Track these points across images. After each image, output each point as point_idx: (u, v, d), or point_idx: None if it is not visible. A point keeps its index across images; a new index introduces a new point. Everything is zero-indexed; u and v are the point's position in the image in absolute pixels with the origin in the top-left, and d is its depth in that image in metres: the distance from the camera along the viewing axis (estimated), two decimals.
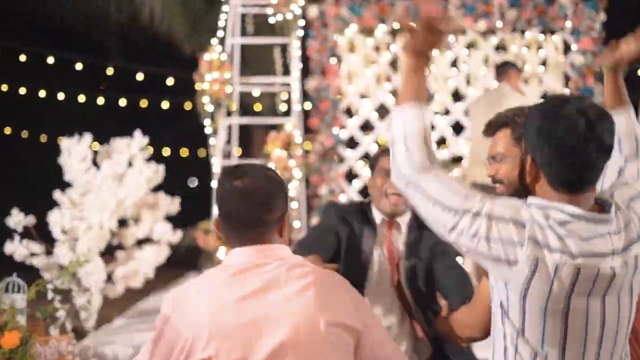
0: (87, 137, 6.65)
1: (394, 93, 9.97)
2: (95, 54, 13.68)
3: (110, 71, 13.59)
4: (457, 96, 10.10)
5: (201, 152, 15.45)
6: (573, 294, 2.25)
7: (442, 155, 9.95)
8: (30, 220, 6.48)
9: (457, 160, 10.09)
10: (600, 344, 2.32)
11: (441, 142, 10.51)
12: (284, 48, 8.61)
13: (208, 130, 8.48)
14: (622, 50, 2.79)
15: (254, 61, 10.01)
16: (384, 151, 3.46)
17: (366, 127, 10.03)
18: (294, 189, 8.19)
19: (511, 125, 2.90)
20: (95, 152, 6.72)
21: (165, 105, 13.51)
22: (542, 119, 2.33)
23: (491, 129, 2.98)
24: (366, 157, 9.95)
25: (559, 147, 2.27)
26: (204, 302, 2.40)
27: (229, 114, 8.55)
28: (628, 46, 2.79)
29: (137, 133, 6.80)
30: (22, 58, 13.35)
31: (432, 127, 9.89)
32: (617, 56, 2.80)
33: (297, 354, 2.35)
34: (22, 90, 14.06)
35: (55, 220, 6.50)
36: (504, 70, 8.30)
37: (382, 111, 10.00)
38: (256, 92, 9.69)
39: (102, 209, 6.44)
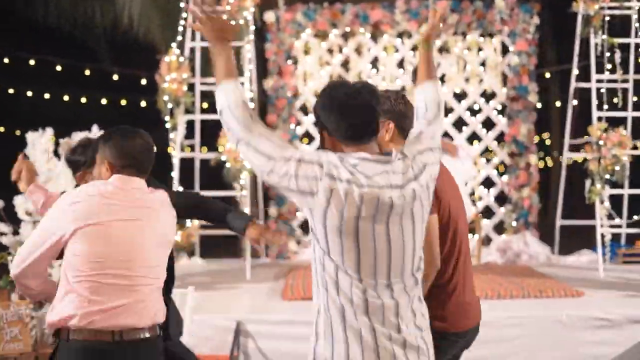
0: (49, 131, 7.49)
1: None
2: (76, 56, 14.59)
3: (88, 72, 14.51)
4: None
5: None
6: (360, 218, 2.93)
7: None
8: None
9: None
10: (390, 262, 3.01)
11: None
12: (238, 51, 9.39)
13: (167, 125, 9.32)
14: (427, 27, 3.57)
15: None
16: None
17: None
18: (244, 179, 8.97)
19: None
20: (57, 144, 7.54)
21: (143, 103, 14.36)
22: (323, 102, 3.08)
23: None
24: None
25: (342, 114, 3.02)
26: None
27: (187, 111, 9.37)
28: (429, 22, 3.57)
29: (94, 127, 7.63)
30: (6, 60, 14.30)
31: None
32: (424, 33, 3.58)
33: None
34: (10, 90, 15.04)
35: (20, 204, 7.34)
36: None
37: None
38: None
39: None
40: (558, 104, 13.36)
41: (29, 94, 15.13)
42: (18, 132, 15.18)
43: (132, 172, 3.57)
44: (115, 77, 14.31)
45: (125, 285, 3.45)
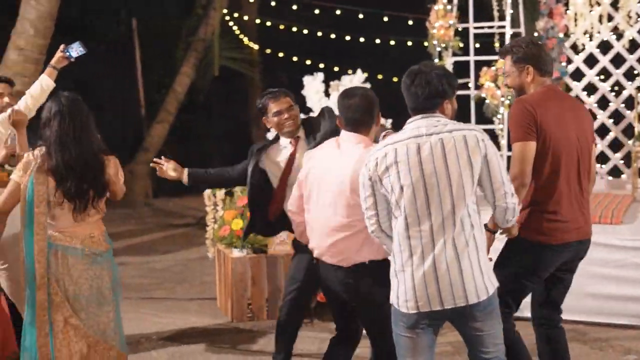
0: (320, 75, 9.05)
1: (615, 30, 11.16)
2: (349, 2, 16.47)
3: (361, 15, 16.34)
4: None
5: None
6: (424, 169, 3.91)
7: None
8: None
9: None
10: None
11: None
12: None
13: None
14: None
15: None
16: (270, 99, 5.39)
17: (590, 61, 11.30)
18: (501, 114, 9.91)
19: (510, 53, 4.85)
20: (328, 85, 9.07)
21: (409, 43, 15.69)
22: (404, 79, 4.12)
23: (502, 54, 5.02)
24: (590, 87, 11.26)
25: (405, 92, 4.11)
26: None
27: (454, 53, 10.44)
28: None
29: (358, 70, 9.05)
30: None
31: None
32: None
33: None
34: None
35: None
36: None
37: (605, 46, 11.21)
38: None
39: None
40: None
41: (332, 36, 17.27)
42: (336, 68, 17.15)
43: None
44: (385, 18, 15.95)
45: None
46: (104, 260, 4.79)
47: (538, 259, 4.72)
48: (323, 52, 18.53)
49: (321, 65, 19.20)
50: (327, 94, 9.10)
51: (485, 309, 3.94)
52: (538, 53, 4.80)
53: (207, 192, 8.65)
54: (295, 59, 19.86)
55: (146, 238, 13.09)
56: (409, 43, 16.48)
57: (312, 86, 9.01)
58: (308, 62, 19.52)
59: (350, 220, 4.47)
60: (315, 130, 5.30)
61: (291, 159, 5.38)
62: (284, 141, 5.49)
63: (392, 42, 17.00)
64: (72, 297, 4.68)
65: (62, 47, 5.82)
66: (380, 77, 18.49)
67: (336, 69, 19.30)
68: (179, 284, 9.65)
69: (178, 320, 7.95)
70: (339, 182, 4.47)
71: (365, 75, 9.00)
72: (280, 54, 19.81)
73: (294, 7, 17.33)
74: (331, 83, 9.11)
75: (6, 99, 5.96)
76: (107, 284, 4.78)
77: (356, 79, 8.98)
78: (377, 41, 17.17)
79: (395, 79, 18.87)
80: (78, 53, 5.79)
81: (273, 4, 17.41)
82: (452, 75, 4.17)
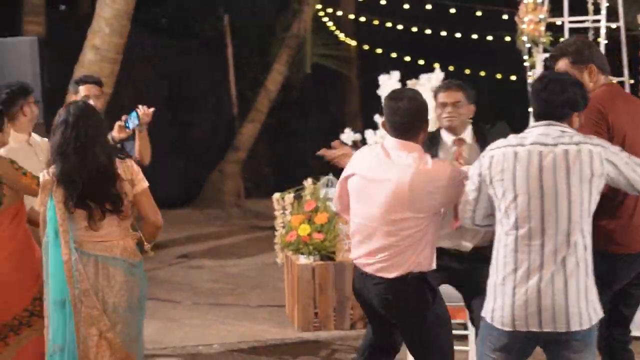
0: (396, 73, 8.61)
1: None
2: None
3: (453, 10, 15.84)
4: None
5: None
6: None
7: None
8: (357, 136, 8.68)
9: None
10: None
11: None
12: None
13: (526, 64, 9.89)
14: None
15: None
16: (441, 89, 5.09)
17: None
18: None
19: (567, 55, 4.51)
20: (405, 85, 8.63)
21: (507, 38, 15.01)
22: (534, 83, 3.92)
23: (554, 58, 4.64)
24: None
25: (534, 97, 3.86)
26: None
27: (545, 50, 9.83)
28: None
29: (437, 69, 8.58)
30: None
31: None
32: None
33: None
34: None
35: (370, 137, 8.62)
36: None
37: None
38: None
39: None
40: None
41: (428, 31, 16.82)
42: (436, 65, 16.75)
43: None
44: (479, 13, 15.30)
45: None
46: (138, 271, 4.63)
47: (612, 271, 4.37)
48: (420, 48, 18.07)
49: (421, 62, 18.80)
50: None
51: (583, 339, 3.71)
52: (597, 51, 4.56)
53: (276, 195, 8.35)
54: (394, 55, 19.40)
55: (227, 241, 12.87)
56: (507, 38, 15.88)
57: (388, 85, 8.57)
58: (407, 58, 19.06)
59: (399, 233, 4.26)
60: (487, 140, 4.88)
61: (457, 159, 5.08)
62: (446, 137, 5.13)
63: (490, 38, 16.40)
64: (111, 309, 4.49)
65: (123, 117, 5.86)
66: (483, 74, 17.93)
67: (436, 65, 18.83)
68: (252, 289, 9.38)
69: (243, 328, 7.69)
70: (393, 194, 4.21)
71: (442, 74, 8.51)
72: (379, 50, 19.35)
73: (383, 1, 16.89)
74: (408, 82, 8.67)
75: (91, 101, 5.73)
76: (137, 295, 4.61)
77: (434, 77, 8.49)
78: (474, 36, 16.59)
79: (499, 76, 18.35)
80: (133, 125, 5.84)
81: None
82: (585, 88, 3.99)
